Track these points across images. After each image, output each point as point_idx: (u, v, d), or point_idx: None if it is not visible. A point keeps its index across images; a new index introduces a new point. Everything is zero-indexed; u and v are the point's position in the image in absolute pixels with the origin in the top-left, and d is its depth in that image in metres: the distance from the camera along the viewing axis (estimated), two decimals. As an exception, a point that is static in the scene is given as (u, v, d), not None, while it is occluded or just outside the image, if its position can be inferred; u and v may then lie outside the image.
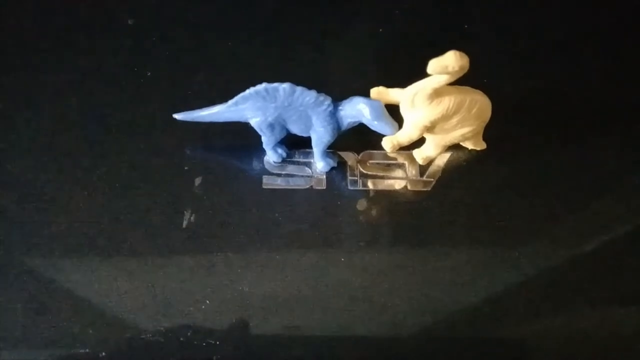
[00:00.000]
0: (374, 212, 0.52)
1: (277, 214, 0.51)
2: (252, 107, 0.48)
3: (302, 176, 0.53)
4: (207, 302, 0.48)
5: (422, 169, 0.54)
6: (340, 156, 0.54)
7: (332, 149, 0.53)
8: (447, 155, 0.54)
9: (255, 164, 0.53)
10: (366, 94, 0.50)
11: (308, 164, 0.53)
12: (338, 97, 0.48)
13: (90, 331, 0.47)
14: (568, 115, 0.57)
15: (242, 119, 0.50)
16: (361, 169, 0.54)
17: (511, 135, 0.55)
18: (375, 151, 0.54)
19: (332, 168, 0.53)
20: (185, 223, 0.50)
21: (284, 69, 0.58)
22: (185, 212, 0.51)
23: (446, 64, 0.42)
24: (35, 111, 0.55)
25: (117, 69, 0.58)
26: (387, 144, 0.50)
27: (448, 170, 0.54)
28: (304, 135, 0.51)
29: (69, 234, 0.50)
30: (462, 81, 0.46)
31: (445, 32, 0.61)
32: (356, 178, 0.53)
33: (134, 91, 0.56)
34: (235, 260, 0.49)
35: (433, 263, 0.50)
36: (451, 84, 0.46)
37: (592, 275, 0.50)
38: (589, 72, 0.60)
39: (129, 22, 0.60)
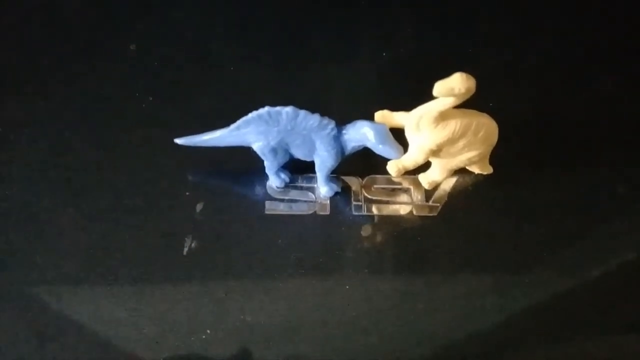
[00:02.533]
0: (378, 238, 0.52)
1: (279, 241, 0.51)
2: (255, 131, 0.48)
3: (306, 201, 0.52)
4: (208, 331, 0.47)
5: (428, 194, 0.53)
6: (344, 181, 0.53)
7: (336, 174, 0.53)
8: (453, 180, 0.54)
9: (258, 189, 0.53)
10: (370, 118, 0.50)
11: (311, 189, 0.53)
12: (342, 121, 0.48)
13: (89, 360, 0.46)
14: (576, 140, 0.57)
15: (244, 144, 0.49)
16: (365, 194, 0.53)
17: (518, 160, 0.55)
18: (379, 176, 0.53)
19: (336, 193, 0.52)
20: (186, 250, 0.50)
21: (287, 92, 0.58)
22: (186, 239, 0.50)
23: (452, 86, 0.42)
24: (35, 136, 0.55)
25: (118, 93, 0.58)
26: (392, 168, 0.49)
27: (454, 195, 0.53)
28: (307, 159, 0.50)
29: (67, 261, 0.49)
30: (467, 104, 0.45)
31: (449, 55, 0.61)
32: (360, 203, 0.53)
33: (136, 116, 0.56)
34: (236, 288, 0.49)
35: (440, 290, 0.49)
36: (457, 107, 0.45)
37: (602, 301, 0.49)
38: (596, 95, 0.60)
39: (131, 47, 0.61)
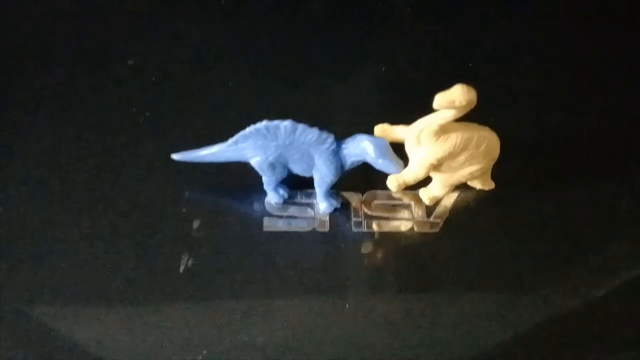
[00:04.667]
0: (379, 255, 0.51)
1: (278, 258, 0.50)
2: (253, 145, 0.47)
3: (305, 218, 0.52)
4: (204, 351, 0.46)
5: (429, 210, 0.53)
6: (343, 197, 0.53)
7: (335, 189, 0.52)
8: (454, 195, 0.53)
9: (256, 206, 0.52)
10: (370, 132, 0.49)
11: (310, 205, 0.52)
12: (341, 135, 0.48)
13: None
14: (579, 155, 0.56)
15: (242, 159, 0.49)
16: (365, 210, 0.52)
17: (520, 175, 0.54)
18: (379, 191, 0.53)
19: (336, 209, 0.52)
20: (182, 268, 0.49)
21: (286, 107, 0.57)
22: (182, 256, 0.50)
23: (453, 99, 0.41)
24: (31, 152, 0.54)
25: (116, 108, 0.57)
26: (392, 183, 0.49)
27: (456, 210, 0.53)
28: (306, 175, 0.49)
29: (63, 280, 0.48)
30: (468, 119, 0.45)
31: (449, 70, 0.61)
32: (360, 219, 0.52)
33: (132, 132, 0.56)
34: (234, 306, 0.48)
35: (442, 308, 0.49)
36: (458, 120, 0.45)
37: (607, 319, 0.49)
38: (600, 110, 0.60)
39: (129, 62, 0.61)
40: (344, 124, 0.53)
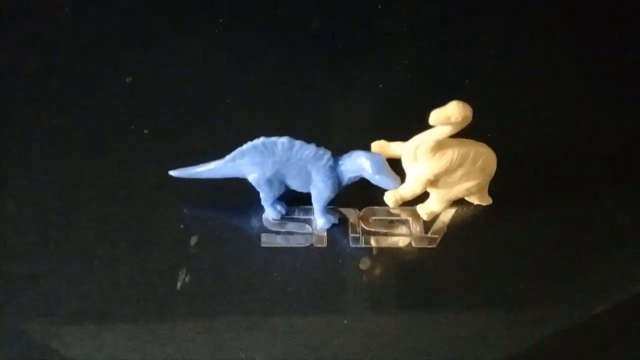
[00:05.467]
0: (377, 271, 0.51)
1: (276, 274, 0.50)
2: (250, 162, 0.47)
3: (302, 234, 0.52)
4: (202, 368, 0.46)
5: (427, 225, 0.53)
6: (341, 212, 0.53)
7: (333, 205, 0.52)
8: (452, 211, 0.53)
9: (254, 222, 0.52)
10: (367, 148, 0.49)
11: (308, 221, 0.52)
12: (338, 152, 0.48)
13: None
14: (578, 169, 0.56)
15: (239, 175, 0.49)
16: (363, 226, 0.52)
17: (518, 190, 0.54)
18: (377, 207, 0.53)
19: (333, 225, 0.52)
20: (179, 285, 0.49)
21: (283, 124, 0.57)
22: (179, 273, 0.49)
23: (448, 115, 0.42)
24: (28, 171, 0.54)
25: (114, 126, 0.57)
26: (390, 198, 0.49)
27: (453, 226, 0.53)
28: (304, 191, 0.49)
29: (60, 298, 0.48)
30: (464, 135, 0.45)
31: (446, 87, 0.61)
32: (358, 235, 0.52)
33: (130, 148, 0.56)
34: (231, 324, 0.48)
35: (441, 325, 0.48)
36: (454, 136, 0.45)
37: (610, 337, 0.48)
38: (595, 125, 0.59)
39: (127, 79, 0.61)
40: (341, 141, 0.53)
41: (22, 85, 0.60)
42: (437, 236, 0.52)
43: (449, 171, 0.47)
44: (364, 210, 0.53)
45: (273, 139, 0.46)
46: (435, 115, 0.42)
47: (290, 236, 0.52)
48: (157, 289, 0.49)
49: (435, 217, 0.52)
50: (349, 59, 0.64)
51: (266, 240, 0.51)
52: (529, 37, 0.67)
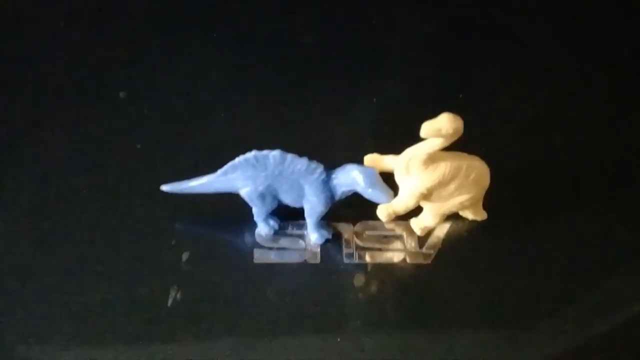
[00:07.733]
0: (372, 287, 0.50)
1: (268, 291, 0.49)
2: (242, 176, 0.47)
3: (296, 249, 0.51)
4: (192, 387, 0.45)
5: (421, 241, 0.52)
6: (335, 227, 0.52)
7: (326, 220, 0.51)
8: (446, 226, 0.53)
9: (246, 238, 0.52)
10: (360, 162, 0.49)
11: (302, 236, 0.52)
12: (332, 166, 0.47)
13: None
14: (573, 183, 0.56)
15: (232, 190, 0.48)
16: (357, 241, 0.52)
17: (513, 205, 0.54)
18: (371, 221, 0.52)
19: (327, 240, 0.51)
20: (170, 301, 0.48)
21: (276, 138, 0.57)
22: (171, 289, 0.49)
23: (439, 127, 0.42)
24: (18, 185, 0.54)
25: (107, 140, 0.57)
26: (382, 212, 0.49)
27: (448, 241, 0.52)
28: (297, 205, 0.49)
29: (48, 315, 0.48)
30: (458, 149, 0.45)
31: (439, 101, 0.60)
32: (352, 251, 0.51)
33: (123, 163, 0.56)
34: (223, 341, 0.47)
35: (437, 343, 0.47)
36: (447, 150, 0.45)
37: (609, 356, 0.48)
38: (591, 138, 0.59)
39: (120, 95, 0.61)
40: (335, 155, 0.52)
41: (15, 100, 0.60)
42: (432, 251, 0.51)
43: (442, 184, 0.47)
44: (357, 225, 0.52)
45: (265, 152, 0.45)
46: (426, 128, 0.42)
47: (283, 252, 0.51)
48: (147, 306, 0.48)
49: (429, 232, 0.52)
50: (342, 73, 0.64)
51: (259, 257, 0.51)
52: (526, 50, 0.67)
